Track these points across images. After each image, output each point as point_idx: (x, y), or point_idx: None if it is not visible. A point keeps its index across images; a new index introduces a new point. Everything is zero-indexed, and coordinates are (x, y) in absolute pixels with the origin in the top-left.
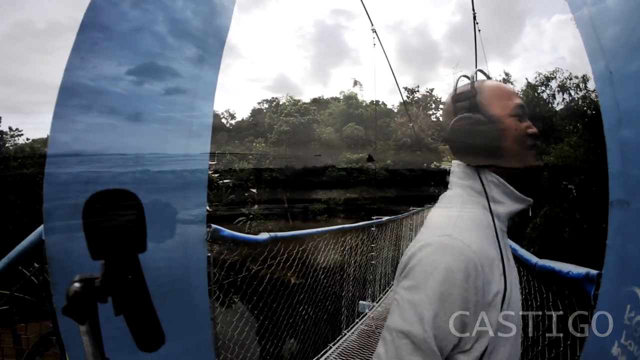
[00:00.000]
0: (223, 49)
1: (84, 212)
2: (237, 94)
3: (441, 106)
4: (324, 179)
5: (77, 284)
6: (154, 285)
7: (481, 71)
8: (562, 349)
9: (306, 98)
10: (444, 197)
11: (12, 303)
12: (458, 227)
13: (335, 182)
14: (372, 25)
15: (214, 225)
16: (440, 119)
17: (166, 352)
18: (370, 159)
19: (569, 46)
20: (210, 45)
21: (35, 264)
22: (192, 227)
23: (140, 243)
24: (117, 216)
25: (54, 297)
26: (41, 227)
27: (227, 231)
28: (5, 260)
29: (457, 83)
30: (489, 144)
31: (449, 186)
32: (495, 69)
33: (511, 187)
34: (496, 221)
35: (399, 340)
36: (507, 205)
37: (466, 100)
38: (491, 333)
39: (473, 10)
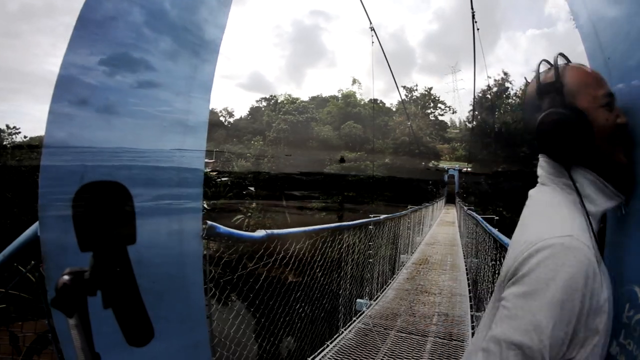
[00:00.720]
0: (220, 45)
1: (73, 203)
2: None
3: (522, 95)
4: (322, 177)
5: (66, 277)
6: (149, 283)
7: (562, 55)
8: None
9: (283, 97)
10: (540, 193)
11: (9, 301)
12: (576, 227)
13: (333, 180)
14: (371, 23)
15: (209, 222)
16: (439, 117)
17: (163, 350)
18: (342, 160)
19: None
20: (207, 41)
21: (33, 261)
22: (188, 224)
23: (130, 235)
24: (106, 207)
25: (49, 294)
26: (37, 224)
27: (223, 228)
28: (0, 257)
29: (539, 68)
30: (580, 142)
31: (539, 180)
32: (469, 76)
33: (605, 183)
34: (592, 220)
35: (507, 352)
36: (600, 204)
37: (552, 92)
38: (597, 339)
39: (472, 9)
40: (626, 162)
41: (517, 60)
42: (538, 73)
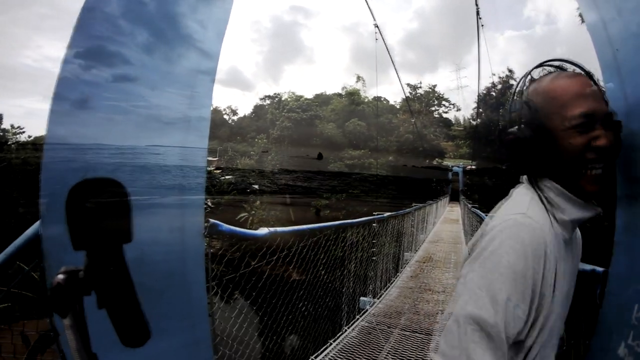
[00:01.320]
0: (222, 39)
1: (67, 200)
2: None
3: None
4: (326, 174)
5: (60, 276)
6: (151, 281)
7: (561, 61)
8: (564, 349)
9: (260, 93)
10: (516, 189)
11: (13, 300)
12: (532, 209)
13: (337, 177)
14: (375, 20)
15: (211, 220)
16: (443, 115)
17: (163, 349)
18: (320, 156)
19: (518, 60)
20: (209, 36)
21: (36, 260)
22: (190, 221)
23: (125, 233)
24: (101, 205)
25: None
26: (38, 222)
27: (225, 226)
28: (2, 255)
29: (522, 80)
30: (538, 164)
31: (520, 180)
32: (449, 75)
33: (573, 197)
34: (555, 224)
35: (466, 327)
36: (570, 213)
37: (520, 105)
38: (542, 325)
39: (477, 5)
40: (596, 190)
41: (494, 60)
42: (522, 79)
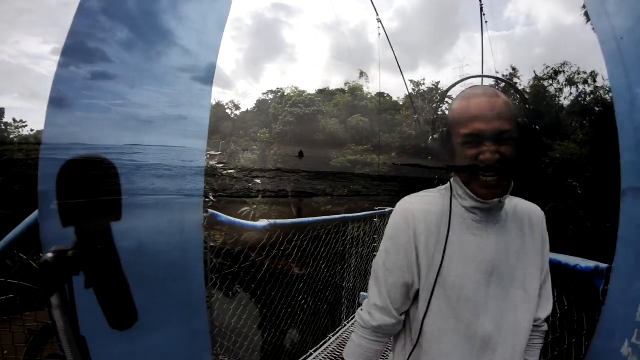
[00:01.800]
0: (222, 33)
1: (57, 177)
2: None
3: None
4: (328, 170)
5: (49, 254)
6: (150, 271)
7: (482, 77)
8: (566, 347)
9: (242, 91)
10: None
11: (15, 291)
12: (419, 197)
13: (339, 173)
14: (377, 15)
15: (211, 211)
16: (447, 112)
17: (162, 339)
18: (301, 154)
19: (497, 61)
20: (209, 29)
21: (35, 248)
22: (189, 212)
23: (114, 212)
24: (88, 182)
25: None
26: (37, 211)
27: (224, 217)
28: (1, 244)
29: (445, 92)
30: (445, 164)
31: None
32: (427, 76)
33: (467, 192)
34: (458, 209)
35: (372, 272)
36: (462, 202)
37: (436, 118)
38: (423, 293)
39: (480, 1)
40: (484, 194)
41: (474, 61)
42: (447, 90)
